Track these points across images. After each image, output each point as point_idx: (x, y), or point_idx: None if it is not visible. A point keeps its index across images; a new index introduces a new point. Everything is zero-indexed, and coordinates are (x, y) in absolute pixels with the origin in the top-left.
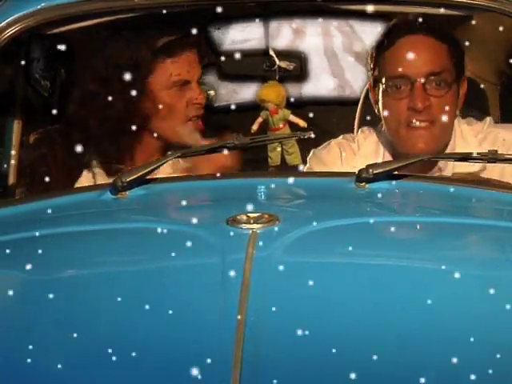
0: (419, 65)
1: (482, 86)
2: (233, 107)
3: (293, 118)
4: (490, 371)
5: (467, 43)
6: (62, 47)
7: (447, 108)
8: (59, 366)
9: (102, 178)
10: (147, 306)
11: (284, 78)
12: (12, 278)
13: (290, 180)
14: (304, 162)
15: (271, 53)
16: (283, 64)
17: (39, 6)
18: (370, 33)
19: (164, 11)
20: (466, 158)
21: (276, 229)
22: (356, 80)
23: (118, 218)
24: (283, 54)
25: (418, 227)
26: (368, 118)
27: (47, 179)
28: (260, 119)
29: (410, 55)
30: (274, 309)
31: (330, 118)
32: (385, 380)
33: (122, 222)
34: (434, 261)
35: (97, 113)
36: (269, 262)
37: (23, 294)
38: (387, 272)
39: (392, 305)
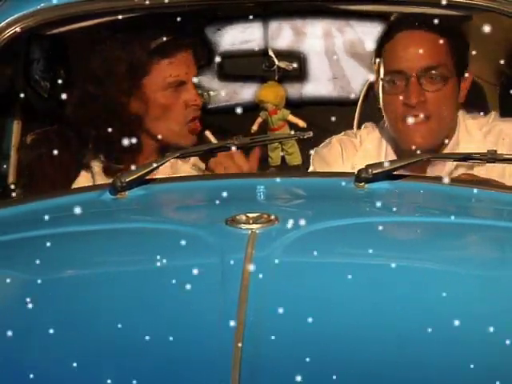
0: (414, 60)
1: (481, 85)
2: (232, 108)
3: (292, 118)
4: (490, 371)
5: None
6: (61, 47)
7: (444, 103)
8: (59, 366)
9: (101, 179)
10: (147, 306)
11: (283, 79)
12: (12, 277)
13: (290, 180)
14: (304, 161)
15: (270, 53)
16: (282, 64)
17: (39, 6)
18: (369, 32)
19: (162, 12)
20: (466, 157)
21: (275, 229)
22: (355, 79)
23: (118, 218)
24: (282, 55)
25: (418, 227)
26: (367, 117)
27: (47, 179)
28: (260, 119)
29: (406, 50)
30: (273, 309)
31: (330, 117)
32: (385, 380)
33: (122, 222)
34: (434, 261)
35: (96, 113)
36: (268, 262)
37: (23, 294)
38: (387, 272)
39: (391, 305)
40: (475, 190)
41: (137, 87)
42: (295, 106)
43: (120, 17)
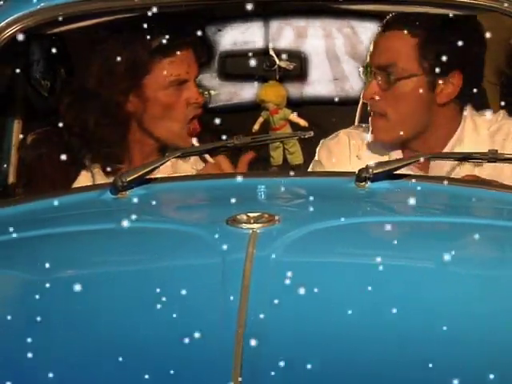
0: (375, 57)
1: (481, 85)
2: (233, 107)
3: (293, 118)
4: (490, 371)
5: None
6: (61, 47)
7: (404, 100)
8: (59, 366)
9: (101, 178)
10: (147, 306)
11: (284, 78)
12: (12, 277)
13: (290, 180)
14: (305, 161)
15: (271, 53)
16: (283, 64)
17: (39, 6)
18: (369, 32)
19: (162, 11)
20: (466, 157)
21: (276, 228)
22: (356, 79)
23: (118, 217)
24: (283, 54)
25: (418, 227)
26: (368, 116)
27: (47, 179)
28: (261, 119)
29: (375, 47)
30: (273, 308)
31: (330, 117)
32: (385, 380)
33: (122, 221)
34: (434, 260)
35: (96, 113)
36: (269, 262)
37: (23, 293)
38: (387, 272)
39: (392, 305)
40: (475, 190)
41: (138, 86)
42: (296, 105)
43: (120, 16)
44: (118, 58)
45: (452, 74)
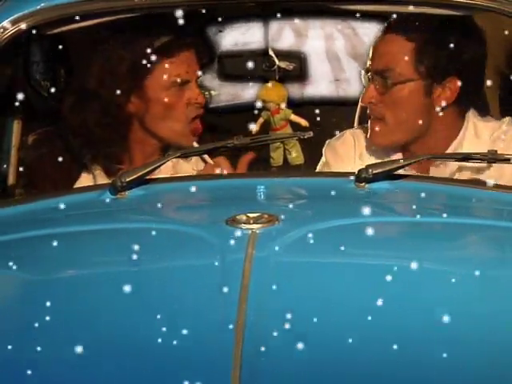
0: (373, 61)
1: (481, 90)
2: (233, 107)
3: (294, 118)
4: (490, 371)
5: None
6: (61, 47)
7: (401, 105)
8: (59, 366)
9: (102, 179)
10: (147, 306)
11: (284, 78)
12: (12, 277)
13: (290, 180)
14: (306, 161)
15: (271, 53)
16: (283, 64)
17: (39, 6)
18: (369, 32)
19: (163, 11)
20: (466, 158)
21: (276, 229)
22: (356, 79)
23: (118, 218)
24: (283, 54)
25: (418, 227)
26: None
27: (47, 179)
28: (261, 120)
29: (374, 51)
30: (273, 309)
31: (330, 117)
32: (385, 380)
33: (122, 222)
34: (434, 261)
35: (96, 113)
36: (268, 262)
37: (23, 293)
38: (387, 272)
39: (391, 305)
40: (475, 191)
41: (139, 87)
42: (296, 105)
43: (120, 17)
44: (120, 59)
45: (449, 78)
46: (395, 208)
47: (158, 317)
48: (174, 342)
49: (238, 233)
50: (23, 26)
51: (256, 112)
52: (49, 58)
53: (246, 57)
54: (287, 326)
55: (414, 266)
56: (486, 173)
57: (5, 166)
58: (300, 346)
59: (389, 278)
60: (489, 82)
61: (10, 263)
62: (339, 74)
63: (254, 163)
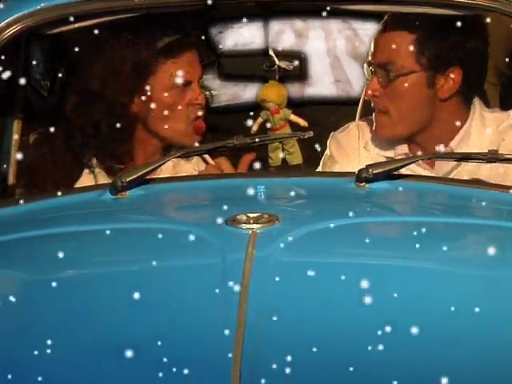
0: (375, 55)
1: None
2: (233, 107)
3: (294, 118)
4: (490, 371)
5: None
6: (61, 47)
7: (404, 97)
8: (59, 366)
9: (103, 179)
10: (147, 306)
11: (284, 78)
12: (12, 277)
13: (290, 180)
14: (305, 161)
15: (271, 53)
16: (283, 64)
17: (39, 6)
18: (369, 32)
19: (164, 11)
20: (466, 157)
21: (276, 229)
22: (356, 79)
23: (118, 218)
24: (283, 54)
25: (418, 227)
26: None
27: (47, 179)
28: (260, 119)
29: (375, 46)
30: (273, 309)
31: (331, 117)
32: (385, 380)
33: (122, 222)
34: (434, 261)
35: (98, 113)
36: (268, 262)
37: (23, 293)
38: (387, 272)
39: (391, 305)
40: (475, 190)
41: (141, 87)
42: (296, 105)
43: (120, 17)
44: (121, 59)
45: (451, 69)
46: (395, 208)
47: (158, 317)
48: (174, 342)
49: (238, 233)
50: (23, 26)
51: (256, 112)
52: (49, 58)
53: (246, 57)
54: (287, 326)
55: (413, 266)
56: (487, 171)
57: (5, 165)
58: (299, 346)
59: (388, 277)
60: (491, 82)
61: (10, 263)
62: (339, 73)
63: (253, 163)
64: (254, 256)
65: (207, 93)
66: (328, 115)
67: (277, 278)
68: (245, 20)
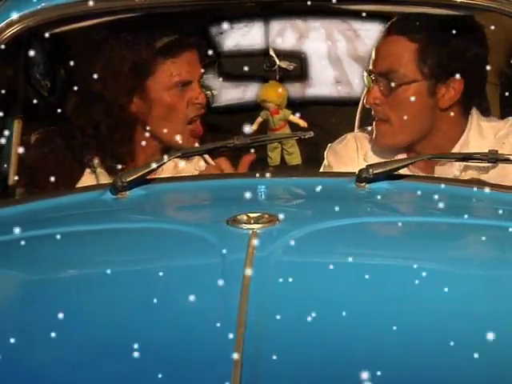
0: (376, 63)
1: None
2: (233, 107)
3: (293, 118)
4: (490, 371)
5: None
6: (61, 47)
7: (406, 106)
8: (59, 366)
9: (105, 179)
10: (147, 306)
11: (284, 79)
12: (12, 277)
13: (290, 180)
14: (305, 161)
15: (271, 53)
16: (283, 64)
17: (39, 6)
18: (370, 33)
19: (164, 11)
20: (466, 157)
21: (276, 229)
22: (357, 80)
23: (118, 217)
24: (283, 54)
25: (418, 227)
26: (369, 117)
27: (47, 179)
28: (260, 119)
29: (376, 53)
30: (274, 309)
31: (330, 118)
32: (385, 380)
33: (122, 222)
34: (434, 261)
35: (97, 113)
36: (269, 262)
37: (23, 293)
38: (387, 272)
39: (392, 305)
40: (475, 191)
41: (141, 87)
42: (296, 106)
43: (121, 17)
44: (121, 59)
45: (453, 78)
46: (395, 208)
47: (158, 317)
48: (174, 342)
49: (239, 233)
50: (23, 25)
51: (256, 112)
52: (49, 57)
53: (247, 57)
54: (287, 326)
55: (414, 266)
56: (489, 172)
57: (5, 165)
58: (300, 346)
59: (389, 278)
60: (491, 82)
61: (10, 263)
62: (339, 74)
63: (253, 163)
64: (255, 256)
65: (208, 92)
66: (328, 116)
67: (277, 278)
68: (245, 20)
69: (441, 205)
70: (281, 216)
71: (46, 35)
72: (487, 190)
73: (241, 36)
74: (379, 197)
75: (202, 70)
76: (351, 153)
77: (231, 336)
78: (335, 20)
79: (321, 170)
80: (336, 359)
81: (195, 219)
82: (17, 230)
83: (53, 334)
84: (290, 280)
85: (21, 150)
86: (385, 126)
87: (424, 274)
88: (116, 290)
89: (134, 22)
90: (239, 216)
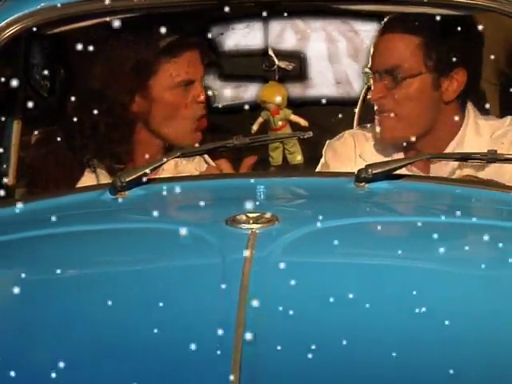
0: (378, 59)
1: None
2: (233, 107)
3: (294, 118)
4: (490, 371)
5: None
6: (61, 47)
7: (410, 101)
8: (59, 366)
9: (105, 179)
10: (147, 306)
11: (283, 79)
12: (12, 278)
13: (290, 180)
14: (305, 161)
15: (270, 53)
16: (282, 64)
17: (39, 6)
18: (370, 33)
19: (165, 11)
20: (466, 157)
21: (275, 229)
22: (356, 79)
23: (118, 218)
24: (282, 54)
25: (418, 227)
26: (368, 116)
27: (47, 179)
28: (260, 119)
29: (376, 50)
30: (273, 309)
31: (330, 117)
32: (385, 380)
33: (122, 222)
34: (434, 261)
35: (97, 113)
36: (268, 262)
37: (23, 293)
38: (387, 272)
39: (391, 305)
40: (475, 190)
41: (143, 87)
42: (295, 105)
43: (121, 17)
44: (123, 59)
45: (456, 70)
46: (395, 208)
47: (158, 317)
48: (173, 342)
49: (238, 233)
50: (23, 25)
51: (256, 112)
52: (49, 58)
53: (247, 57)
54: (287, 326)
55: (413, 265)
56: (486, 172)
57: (5, 165)
58: (300, 346)
59: (388, 277)
60: (490, 82)
61: (10, 263)
62: (339, 74)
63: (254, 163)
64: (254, 256)
65: (210, 92)
66: (328, 115)
67: (276, 278)
68: (245, 20)
69: (440, 205)
70: (280, 216)
71: (46, 35)
72: (487, 190)
73: (240, 36)
74: (378, 197)
75: (204, 70)
76: (348, 150)
77: (230, 336)
78: (335, 20)
79: (318, 166)
80: (335, 359)
81: (195, 219)
82: (17, 230)
83: (53, 334)
84: (289, 280)
85: (21, 150)
86: (391, 120)
87: (423, 273)
88: (115, 289)
89: (134, 22)
90: (238, 216)
